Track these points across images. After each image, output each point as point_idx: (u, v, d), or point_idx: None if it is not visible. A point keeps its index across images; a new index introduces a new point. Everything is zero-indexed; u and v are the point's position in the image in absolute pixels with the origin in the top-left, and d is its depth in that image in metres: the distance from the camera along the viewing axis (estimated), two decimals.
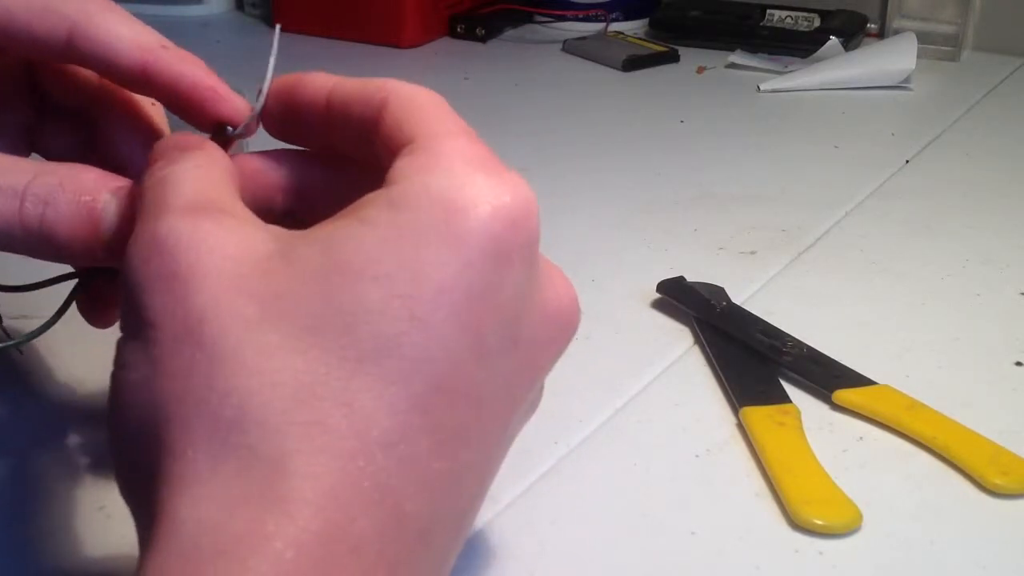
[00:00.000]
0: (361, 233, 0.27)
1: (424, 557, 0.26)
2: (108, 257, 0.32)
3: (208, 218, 0.28)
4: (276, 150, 0.34)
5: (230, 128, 0.33)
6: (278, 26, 0.34)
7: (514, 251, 0.27)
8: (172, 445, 0.25)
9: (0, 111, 0.38)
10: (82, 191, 0.31)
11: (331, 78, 0.32)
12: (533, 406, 0.32)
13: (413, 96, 0.30)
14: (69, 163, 0.33)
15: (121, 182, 0.32)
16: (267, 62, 0.33)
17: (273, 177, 0.33)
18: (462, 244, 0.26)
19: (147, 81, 0.34)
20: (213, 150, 0.32)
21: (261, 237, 0.28)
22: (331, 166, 0.34)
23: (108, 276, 0.35)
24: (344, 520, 0.25)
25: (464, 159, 0.28)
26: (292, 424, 0.25)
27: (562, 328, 0.30)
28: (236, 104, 0.34)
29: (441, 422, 0.26)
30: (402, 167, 0.28)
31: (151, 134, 0.38)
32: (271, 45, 0.33)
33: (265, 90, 0.33)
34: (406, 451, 0.26)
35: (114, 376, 0.28)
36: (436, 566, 0.28)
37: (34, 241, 0.32)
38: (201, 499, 0.24)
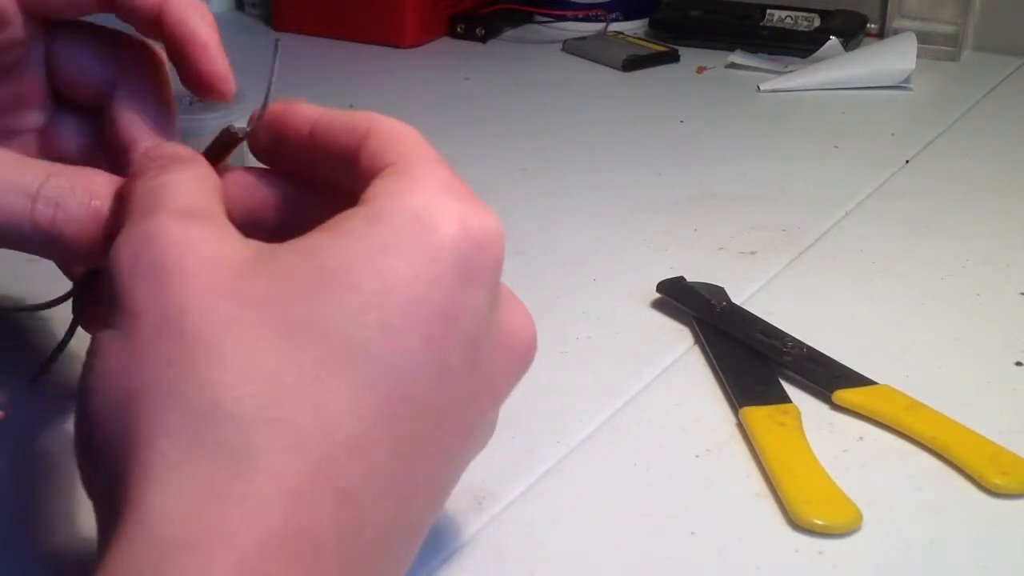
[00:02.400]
0: (342, 243, 0.28)
1: (379, 564, 0.27)
2: None
3: (198, 223, 0.29)
4: (267, 169, 0.35)
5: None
6: (278, 41, 0.34)
7: (479, 272, 0.28)
8: (145, 435, 0.26)
9: (19, 113, 0.39)
10: (92, 195, 0.33)
11: (317, 109, 0.33)
12: (486, 437, 0.33)
13: (394, 127, 0.31)
14: (79, 166, 0.34)
15: None
16: (268, 71, 0.34)
17: (266, 194, 0.35)
18: (433, 260, 0.28)
19: (159, 23, 0.35)
20: (203, 166, 0.33)
21: (244, 245, 0.29)
22: (314, 190, 0.35)
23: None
24: (306, 522, 0.25)
25: (439, 183, 0.29)
26: (263, 421, 0.26)
27: (519, 359, 0.32)
28: (220, 69, 0.35)
29: (403, 431, 0.27)
30: (380, 186, 0.29)
31: (160, 139, 0.38)
32: (273, 58, 0.34)
33: (267, 100, 0.34)
34: (368, 456, 0.26)
35: (88, 365, 0.28)
36: (389, 574, 0.28)
37: (42, 240, 0.33)
38: (171, 491, 0.25)
